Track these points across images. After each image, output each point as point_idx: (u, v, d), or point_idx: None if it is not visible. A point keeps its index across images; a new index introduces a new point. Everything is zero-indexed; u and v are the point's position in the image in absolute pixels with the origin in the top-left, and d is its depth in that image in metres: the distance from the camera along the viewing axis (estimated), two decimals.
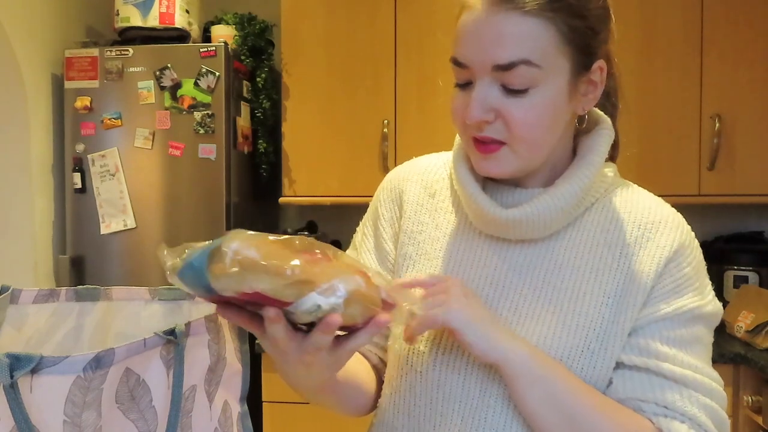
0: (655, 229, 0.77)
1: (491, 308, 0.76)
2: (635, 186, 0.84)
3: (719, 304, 0.78)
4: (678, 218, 0.79)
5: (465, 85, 0.73)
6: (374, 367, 0.88)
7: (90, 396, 0.49)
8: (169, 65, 2.16)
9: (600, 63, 0.73)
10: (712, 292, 0.78)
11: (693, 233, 0.79)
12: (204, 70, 2.15)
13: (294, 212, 2.80)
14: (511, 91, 0.69)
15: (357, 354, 0.86)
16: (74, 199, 2.22)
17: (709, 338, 0.77)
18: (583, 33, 0.70)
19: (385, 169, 2.32)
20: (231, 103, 2.20)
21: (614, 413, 0.71)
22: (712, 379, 0.74)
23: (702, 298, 0.75)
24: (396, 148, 2.33)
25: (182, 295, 0.77)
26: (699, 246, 0.80)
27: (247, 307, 0.58)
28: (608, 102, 0.84)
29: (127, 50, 2.18)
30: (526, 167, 0.75)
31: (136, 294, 0.76)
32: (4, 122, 2.14)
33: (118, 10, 2.23)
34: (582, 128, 0.80)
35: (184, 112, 2.16)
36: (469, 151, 0.77)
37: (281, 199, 2.40)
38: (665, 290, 0.75)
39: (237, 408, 0.70)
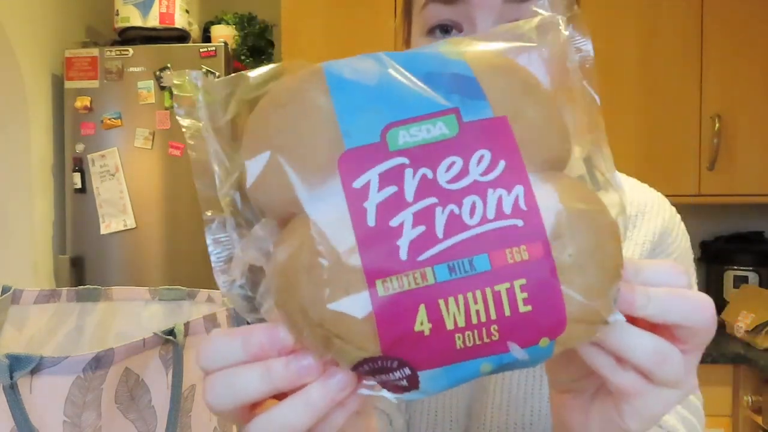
0: (641, 216, 0.74)
1: None
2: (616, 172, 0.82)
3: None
4: (661, 202, 0.76)
5: (442, 30, 0.58)
6: None
7: (90, 396, 0.49)
8: (169, 65, 2.16)
9: None
10: (696, 284, 0.75)
11: (678, 216, 0.76)
12: (204, 70, 2.15)
13: None
14: None
15: None
16: (74, 199, 2.22)
17: None
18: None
19: None
20: None
21: None
22: (696, 397, 0.72)
23: None
24: None
25: (182, 295, 0.77)
26: (685, 231, 0.76)
27: None
28: None
29: (127, 50, 2.18)
30: None
31: (136, 294, 0.76)
32: (4, 122, 2.14)
33: (118, 10, 2.24)
34: None
35: None
36: None
37: None
38: None
39: None
